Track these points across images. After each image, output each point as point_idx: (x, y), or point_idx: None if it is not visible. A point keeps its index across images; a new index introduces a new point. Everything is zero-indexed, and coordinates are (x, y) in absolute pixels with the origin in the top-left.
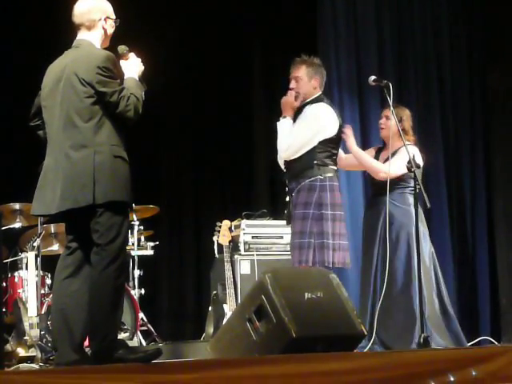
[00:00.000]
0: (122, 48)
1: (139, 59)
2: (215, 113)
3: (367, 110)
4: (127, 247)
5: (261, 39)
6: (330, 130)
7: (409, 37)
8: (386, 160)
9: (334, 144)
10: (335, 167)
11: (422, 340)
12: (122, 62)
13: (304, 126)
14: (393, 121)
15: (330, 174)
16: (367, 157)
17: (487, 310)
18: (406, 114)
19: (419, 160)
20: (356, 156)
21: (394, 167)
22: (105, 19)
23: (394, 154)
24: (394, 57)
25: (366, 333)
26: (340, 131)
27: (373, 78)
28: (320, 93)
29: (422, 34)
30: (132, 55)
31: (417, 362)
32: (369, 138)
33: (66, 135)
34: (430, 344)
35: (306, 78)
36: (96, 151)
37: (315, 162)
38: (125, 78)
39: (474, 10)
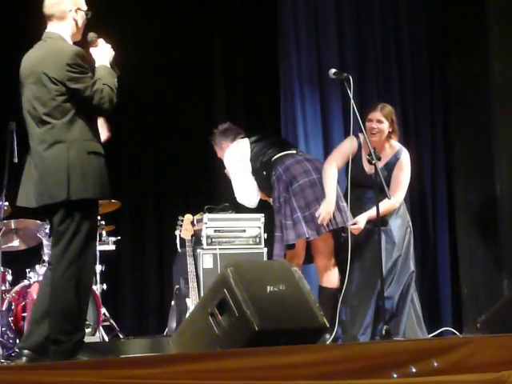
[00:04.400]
0: (90, 35)
1: (109, 45)
2: (177, 105)
3: (328, 102)
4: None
5: (221, 27)
6: (243, 151)
7: (369, 28)
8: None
9: (256, 147)
10: (276, 154)
11: (384, 332)
12: (92, 50)
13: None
14: (385, 123)
15: (276, 165)
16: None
17: (449, 300)
18: (393, 111)
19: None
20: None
21: (399, 198)
22: (76, 10)
23: (388, 165)
24: (354, 50)
25: (328, 325)
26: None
27: (333, 71)
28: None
29: (382, 27)
30: (101, 41)
31: (379, 353)
32: (330, 130)
33: (39, 133)
34: (392, 336)
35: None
36: (69, 147)
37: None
38: (96, 66)
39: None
